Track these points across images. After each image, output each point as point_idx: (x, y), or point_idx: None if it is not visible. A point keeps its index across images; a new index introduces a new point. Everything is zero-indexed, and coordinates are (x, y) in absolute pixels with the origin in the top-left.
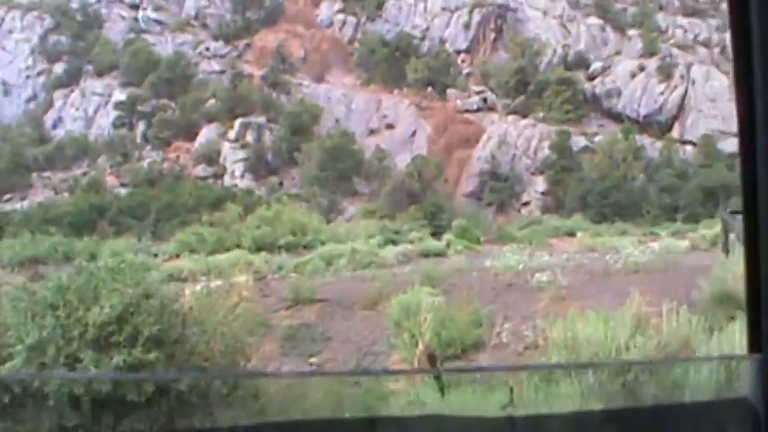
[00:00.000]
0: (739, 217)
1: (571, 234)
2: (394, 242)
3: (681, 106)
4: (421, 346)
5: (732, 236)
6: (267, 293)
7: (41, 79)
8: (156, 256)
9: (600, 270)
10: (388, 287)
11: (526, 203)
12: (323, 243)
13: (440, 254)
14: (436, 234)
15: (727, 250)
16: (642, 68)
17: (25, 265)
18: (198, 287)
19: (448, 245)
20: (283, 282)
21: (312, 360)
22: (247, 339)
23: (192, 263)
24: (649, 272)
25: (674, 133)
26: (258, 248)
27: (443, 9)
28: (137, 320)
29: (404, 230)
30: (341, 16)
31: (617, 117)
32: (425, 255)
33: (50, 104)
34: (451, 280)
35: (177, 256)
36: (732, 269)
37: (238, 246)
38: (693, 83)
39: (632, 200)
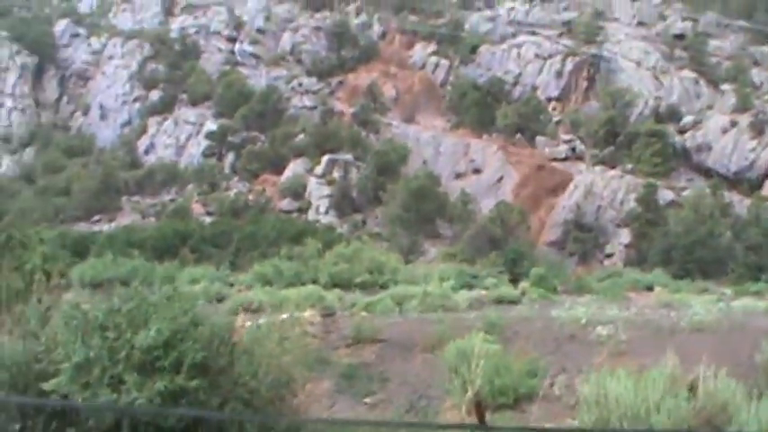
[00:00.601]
0: None
1: (650, 288)
2: (470, 286)
3: None
4: (470, 393)
5: None
6: (331, 330)
7: (137, 105)
8: (231, 285)
9: (666, 327)
10: (451, 331)
11: (609, 255)
12: (397, 283)
13: (513, 301)
14: (515, 281)
15: None
16: (734, 124)
17: (102, 286)
18: (262, 319)
19: (523, 293)
20: (351, 320)
21: (367, 400)
22: (298, 374)
23: (264, 295)
24: (714, 331)
25: (765, 191)
26: (334, 285)
27: (537, 56)
28: (183, 347)
29: (481, 275)
30: (434, 59)
31: (706, 172)
32: (499, 301)
33: (144, 130)
34: (516, 328)
35: (250, 287)
36: None
37: (314, 281)
38: None
39: (717, 257)
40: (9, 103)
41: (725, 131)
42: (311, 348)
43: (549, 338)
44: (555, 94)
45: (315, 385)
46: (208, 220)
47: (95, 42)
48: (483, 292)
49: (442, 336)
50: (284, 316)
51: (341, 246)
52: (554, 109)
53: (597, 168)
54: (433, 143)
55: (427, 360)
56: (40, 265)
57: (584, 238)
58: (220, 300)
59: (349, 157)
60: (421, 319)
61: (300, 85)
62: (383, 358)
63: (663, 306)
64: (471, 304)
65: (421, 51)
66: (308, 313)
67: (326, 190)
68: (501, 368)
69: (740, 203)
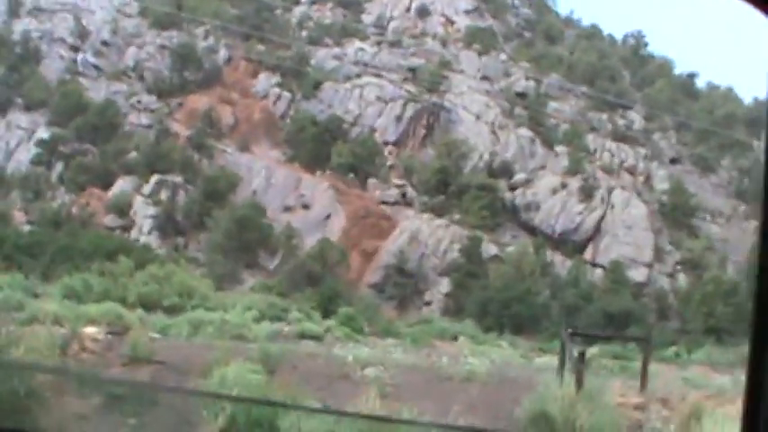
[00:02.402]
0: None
1: (456, 338)
2: (278, 319)
3: (597, 228)
4: (220, 421)
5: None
6: (113, 349)
7: None
8: (36, 296)
9: (441, 375)
10: (226, 360)
11: (428, 303)
12: (207, 309)
13: (316, 337)
14: (326, 318)
15: (561, 372)
16: (564, 186)
17: None
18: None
19: (327, 330)
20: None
21: (131, 421)
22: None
23: (63, 308)
24: (484, 383)
25: (587, 254)
26: (142, 305)
27: (378, 98)
28: None
29: (292, 310)
30: (277, 90)
31: (532, 230)
32: (302, 336)
33: None
34: (296, 362)
35: (43, 297)
36: (556, 391)
37: (123, 299)
38: (612, 207)
39: (533, 314)
40: None
41: (555, 192)
42: (86, 365)
43: (324, 375)
44: (392, 138)
45: (83, 402)
46: (27, 228)
47: None
48: (286, 325)
49: (217, 363)
50: (63, 330)
51: (153, 267)
52: (390, 153)
53: (425, 216)
54: (264, 174)
55: (199, 385)
56: None
57: (404, 283)
58: (19, 309)
59: (179, 179)
60: (206, 346)
61: (139, 102)
62: (157, 380)
63: (465, 356)
64: (270, 336)
65: (264, 81)
66: (92, 329)
67: (152, 210)
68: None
69: (562, 264)
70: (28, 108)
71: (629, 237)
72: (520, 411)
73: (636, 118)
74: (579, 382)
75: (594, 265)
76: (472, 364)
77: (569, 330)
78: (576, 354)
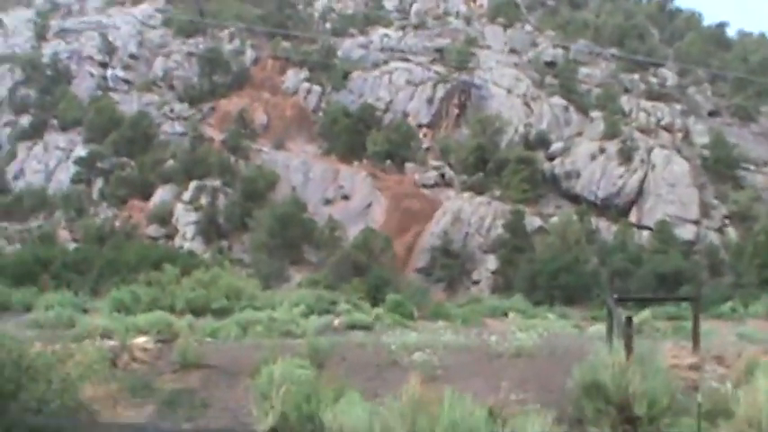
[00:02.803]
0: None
1: (506, 315)
2: (327, 312)
3: (639, 190)
4: (270, 420)
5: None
6: (163, 357)
7: (7, 131)
8: (86, 311)
9: (490, 352)
10: (274, 357)
11: (476, 282)
12: (256, 309)
13: (366, 326)
14: (374, 307)
15: (610, 339)
16: (603, 150)
17: None
18: (95, 345)
19: (376, 318)
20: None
21: (186, 426)
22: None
23: (113, 321)
24: (534, 357)
25: (632, 217)
26: (191, 311)
27: (408, 82)
28: None
29: (340, 302)
30: (306, 85)
31: (575, 199)
32: (352, 327)
33: (14, 156)
34: (346, 353)
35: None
36: (606, 359)
37: (171, 307)
38: (653, 167)
39: (582, 283)
40: None
41: (593, 158)
42: (137, 374)
43: (372, 364)
44: (426, 120)
45: (137, 411)
46: (73, 246)
47: None
48: (335, 318)
49: (265, 362)
50: (113, 342)
51: (198, 272)
52: (425, 135)
53: (466, 195)
54: (302, 169)
55: (250, 386)
56: None
57: (450, 264)
58: (69, 326)
59: (217, 183)
60: (255, 345)
61: (172, 110)
62: (208, 384)
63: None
64: (320, 330)
65: (293, 77)
66: (141, 339)
67: (193, 216)
68: (312, 394)
69: (607, 230)
70: (63, 128)
71: (672, 195)
72: (571, 382)
73: (668, 74)
74: (629, 348)
75: (640, 227)
76: (521, 338)
77: (615, 296)
78: (623, 319)
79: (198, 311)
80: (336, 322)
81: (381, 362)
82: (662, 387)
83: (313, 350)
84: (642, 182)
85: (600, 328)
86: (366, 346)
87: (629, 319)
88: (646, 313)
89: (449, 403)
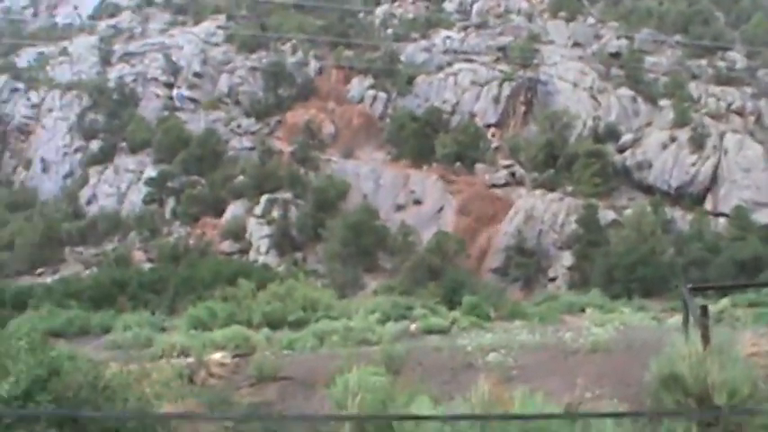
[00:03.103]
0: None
1: (583, 311)
2: (403, 317)
3: (713, 177)
4: (347, 428)
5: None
6: (240, 371)
7: (78, 156)
8: (163, 330)
9: (565, 349)
10: (350, 365)
11: (553, 279)
12: (333, 319)
13: (443, 330)
14: (451, 310)
15: (686, 329)
16: (673, 139)
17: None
18: (171, 362)
19: (453, 322)
20: (271, 359)
21: None
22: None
23: (189, 338)
24: (609, 351)
25: (707, 205)
26: (267, 324)
27: (473, 83)
28: (40, 398)
29: (416, 306)
30: (372, 92)
31: (648, 190)
32: (428, 331)
33: (86, 181)
34: (421, 358)
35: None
36: (682, 350)
37: (248, 321)
38: (726, 153)
39: (659, 274)
40: None
41: (664, 147)
42: (214, 390)
43: (448, 368)
44: (493, 120)
45: (215, 426)
46: (148, 266)
47: (34, 96)
48: (411, 323)
49: (340, 371)
50: (190, 359)
51: (274, 285)
52: (493, 135)
53: (537, 192)
54: (372, 176)
55: (326, 396)
56: None
57: (526, 263)
58: (147, 345)
59: (288, 195)
60: (331, 355)
61: (239, 126)
62: (285, 396)
63: (587, 327)
64: (396, 336)
65: (358, 85)
66: (218, 355)
67: (266, 229)
68: (387, 401)
69: (682, 219)
70: (133, 150)
71: (747, 180)
72: (648, 375)
73: (737, 57)
74: (705, 338)
75: (717, 214)
76: (596, 333)
77: (689, 285)
78: (698, 309)
79: (275, 324)
80: (413, 327)
81: (456, 365)
82: (742, 376)
83: (388, 357)
84: (715, 168)
85: (679, 318)
86: (442, 350)
87: (705, 309)
88: (724, 302)
89: (519, 403)
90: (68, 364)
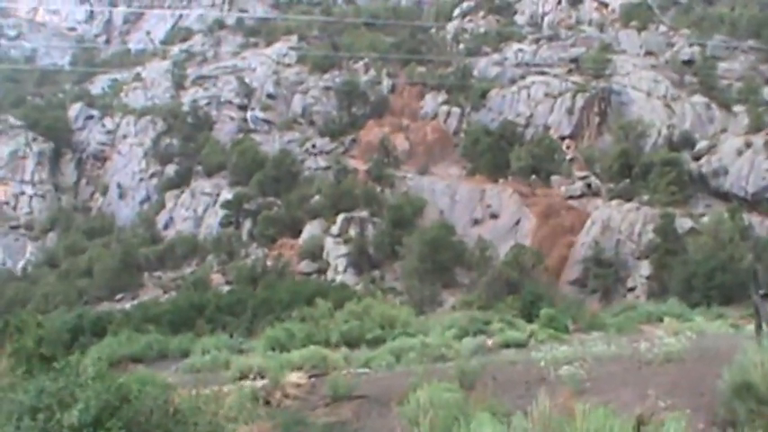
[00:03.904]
0: None
1: (662, 320)
2: (481, 332)
3: None
4: None
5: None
6: (315, 391)
7: (154, 181)
8: (241, 352)
9: (638, 360)
10: (424, 382)
11: (632, 289)
12: (409, 335)
13: (521, 344)
14: (530, 323)
15: (758, 337)
16: (749, 145)
17: (121, 364)
18: (247, 384)
19: (531, 335)
20: (349, 378)
21: None
22: None
23: (266, 360)
24: (683, 361)
25: None
26: (345, 343)
27: (546, 95)
28: (112, 424)
29: (494, 321)
30: (445, 107)
31: (724, 196)
32: (506, 346)
33: (162, 205)
34: (496, 372)
35: (249, 352)
36: (754, 356)
37: (326, 341)
38: None
39: (739, 281)
40: (29, 190)
41: (740, 153)
42: (289, 411)
43: (522, 381)
44: (567, 131)
45: None
46: (226, 289)
47: (109, 123)
48: (488, 338)
49: (413, 388)
50: (264, 381)
51: (351, 303)
52: (567, 147)
53: (614, 203)
54: (448, 192)
55: (396, 413)
56: (34, 349)
57: (604, 273)
58: (225, 367)
59: (364, 213)
60: (406, 372)
61: (314, 146)
62: (360, 415)
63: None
64: (474, 351)
65: (431, 101)
66: (294, 375)
67: (343, 249)
68: (461, 417)
69: (761, 225)
70: (209, 173)
71: None
72: (721, 384)
73: None
74: None
75: None
76: (669, 343)
77: (761, 292)
78: None
79: (353, 343)
80: (490, 342)
81: (531, 378)
82: None
83: (461, 372)
84: None
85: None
86: (517, 364)
87: None
88: None
89: (581, 416)
90: (138, 389)
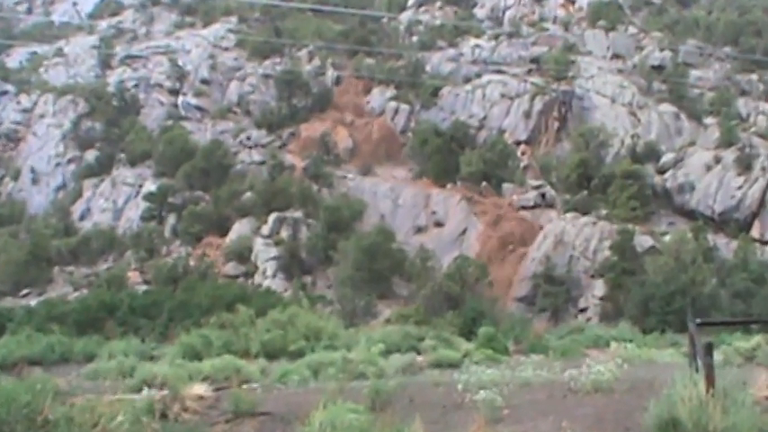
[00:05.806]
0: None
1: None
2: (413, 349)
3: (761, 202)
4: None
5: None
6: (218, 405)
7: (72, 167)
8: (152, 358)
9: (564, 388)
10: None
11: (583, 310)
12: (336, 349)
13: (454, 364)
14: (469, 341)
15: (694, 365)
16: (718, 160)
17: (16, 366)
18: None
19: (466, 355)
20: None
21: None
22: None
23: (173, 368)
24: (612, 391)
25: (754, 232)
26: (266, 354)
27: (503, 96)
28: None
29: (428, 337)
30: (393, 104)
31: (689, 214)
32: (438, 365)
33: (79, 194)
34: (415, 394)
35: (160, 359)
36: (684, 392)
37: (246, 351)
38: None
39: (700, 306)
40: None
41: (708, 169)
42: (185, 426)
43: (440, 405)
44: (523, 136)
45: None
46: (143, 289)
47: (25, 100)
48: (419, 355)
49: (318, 407)
50: (164, 392)
51: (275, 311)
52: (522, 153)
53: (569, 215)
54: (391, 195)
55: None
56: None
57: (554, 292)
58: (130, 375)
59: (298, 214)
60: (319, 389)
61: (249, 138)
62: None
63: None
64: (401, 369)
65: (379, 97)
66: (198, 388)
67: (274, 251)
68: None
69: (726, 246)
70: (132, 162)
71: None
72: (647, 418)
73: None
74: (709, 379)
75: (764, 242)
76: (599, 372)
77: (697, 321)
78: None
79: (274, 354)
80: (420, 360)
81: (449, 402)
82: (747, 422)
83: (375, 392)
84: (764, 193)
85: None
86: (440, 386)
87: (710, 346)
88: (757, 338)
89: None
90: (5, 396)
